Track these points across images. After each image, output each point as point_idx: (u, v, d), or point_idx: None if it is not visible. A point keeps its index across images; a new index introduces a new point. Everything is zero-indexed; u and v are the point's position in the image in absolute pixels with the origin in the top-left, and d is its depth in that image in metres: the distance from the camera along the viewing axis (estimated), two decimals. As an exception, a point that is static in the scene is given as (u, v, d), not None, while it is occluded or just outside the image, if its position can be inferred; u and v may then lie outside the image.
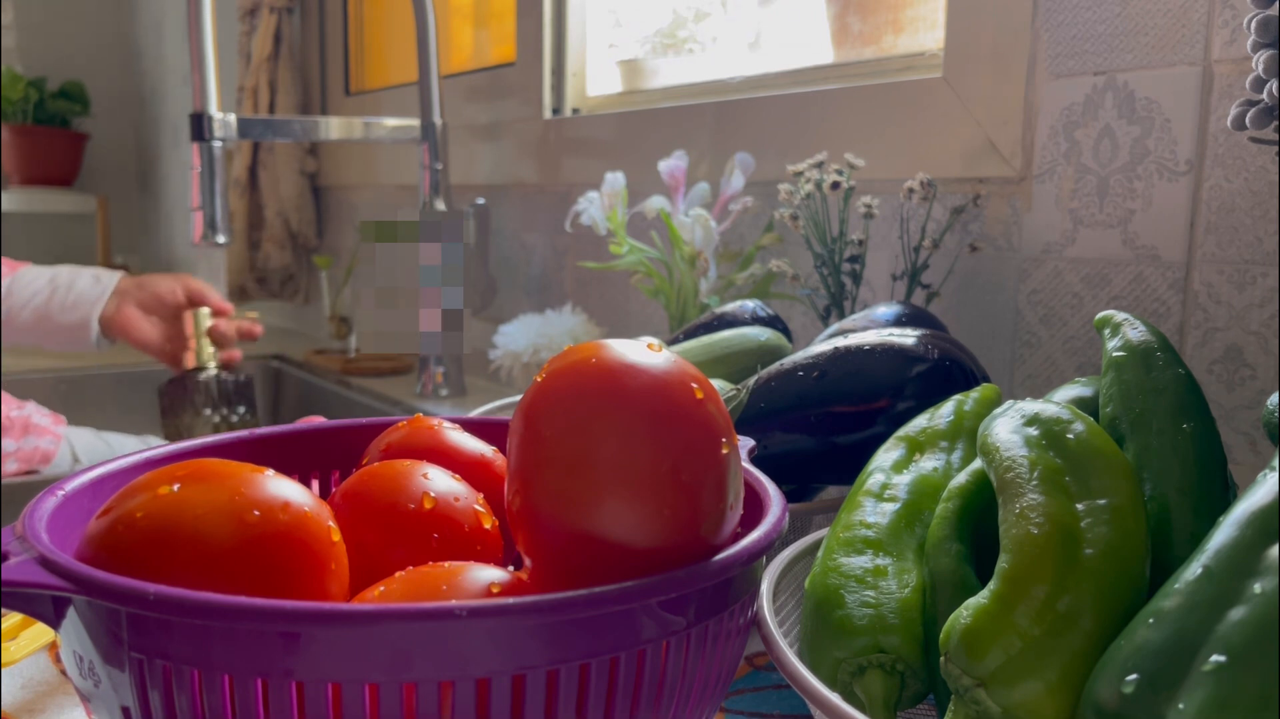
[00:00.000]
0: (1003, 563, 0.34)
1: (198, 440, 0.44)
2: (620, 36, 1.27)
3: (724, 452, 0.33)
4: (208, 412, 1.21)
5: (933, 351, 0.55)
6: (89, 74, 2.72)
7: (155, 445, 0.43)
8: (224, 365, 1.25)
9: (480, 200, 1.30)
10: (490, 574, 0.33)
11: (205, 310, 1.23)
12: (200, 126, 1.06)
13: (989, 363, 0.79)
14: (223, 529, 0.31)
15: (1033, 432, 0.38)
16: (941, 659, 0.34)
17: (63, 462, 1.04)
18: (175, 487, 0.32)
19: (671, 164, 0.93)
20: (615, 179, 0.95)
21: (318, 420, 0.49)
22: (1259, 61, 0.45)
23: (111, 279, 1.22)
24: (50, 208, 2.58)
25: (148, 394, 1.50)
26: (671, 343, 0.75)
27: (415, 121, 1.23)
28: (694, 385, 0.33)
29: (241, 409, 1.23)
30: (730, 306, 0.76)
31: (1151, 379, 0.42)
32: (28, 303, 1.18)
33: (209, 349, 1.23)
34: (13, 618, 0.53)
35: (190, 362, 1.23)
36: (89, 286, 1.20)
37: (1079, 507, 0.35)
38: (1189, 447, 0.40)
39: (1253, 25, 0.46)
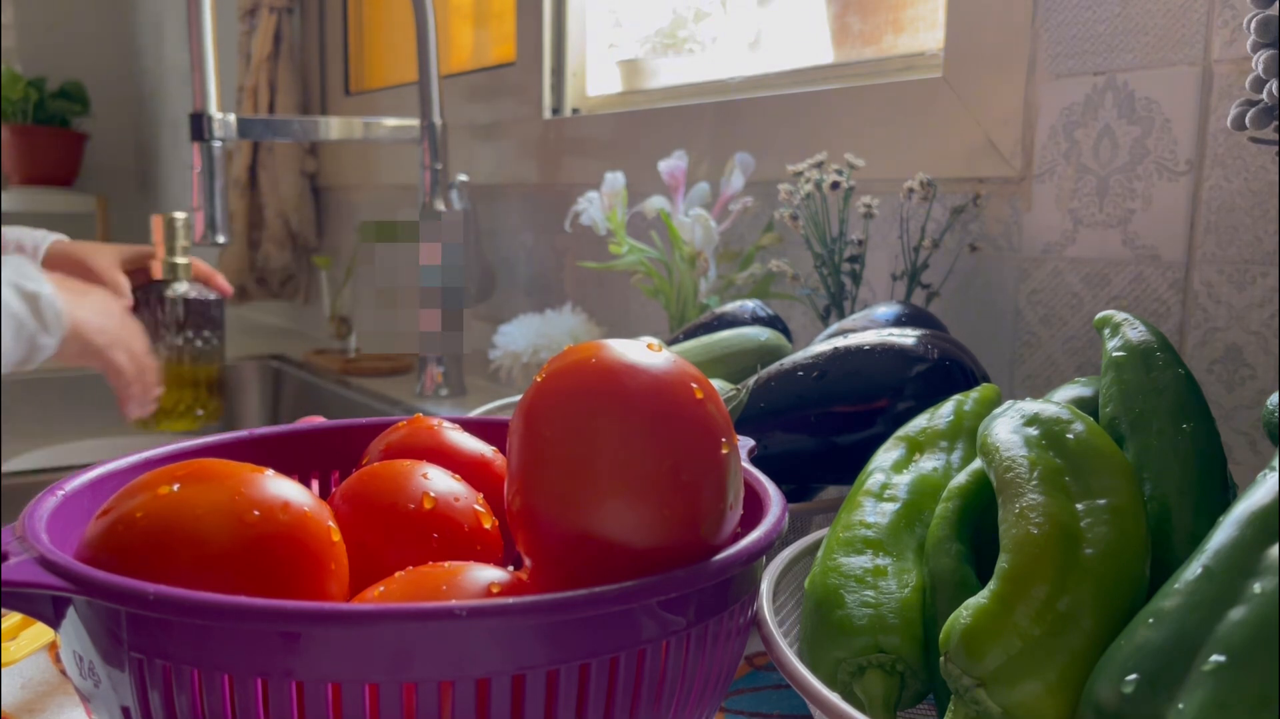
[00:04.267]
0: (1003, 563, 0.34)
1: (198, 440, 0.44)
2: (620, 36, 1.27)
3: (724, 452, 0.33)
4: (170, 334, 1.04)
5: (933, 352, 0.55)
6: (89, 74, 2.72)
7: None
8: (198, 279, 1.08)
9: (463, 176, 1.27)
10: (490, 574, 0.33)
11: (182, 215, 1.05)
12: (200, 126, 1.06)
13: (989, 363, 0.79)
14: (223, 529, 0.31)
15: (1033, 432, 0.38)
16: (941, 659, 0.34)
17: None
18: (175, 487, 0.32)
19: (671, 164, 0.93)
20: (615, 179, 0.95)
21: (318, 420, 0.49)
22: (1259, 61, 0.45)
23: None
24: (50, 208, 2.58)
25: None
26: (671, 343, 0.75)
27: (415, 121, 1.23)
28: (694, 385, 0.33)
29: (207, 334, 1.06)
30: (730, 306, 0.76)
31: (1151, 379, 0.42)
32: None
33: (181, 260, 1.05)
34: (13, 618, 0.53)
35: (157, 271, 1.05)
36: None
37: (1079, 507, 0.35)
38: (1189, 447, 0.40)
39: (1253, 25, 0.46)
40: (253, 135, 1.17)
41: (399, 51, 1.71)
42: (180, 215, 1.05)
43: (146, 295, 1.03)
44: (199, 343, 1.05)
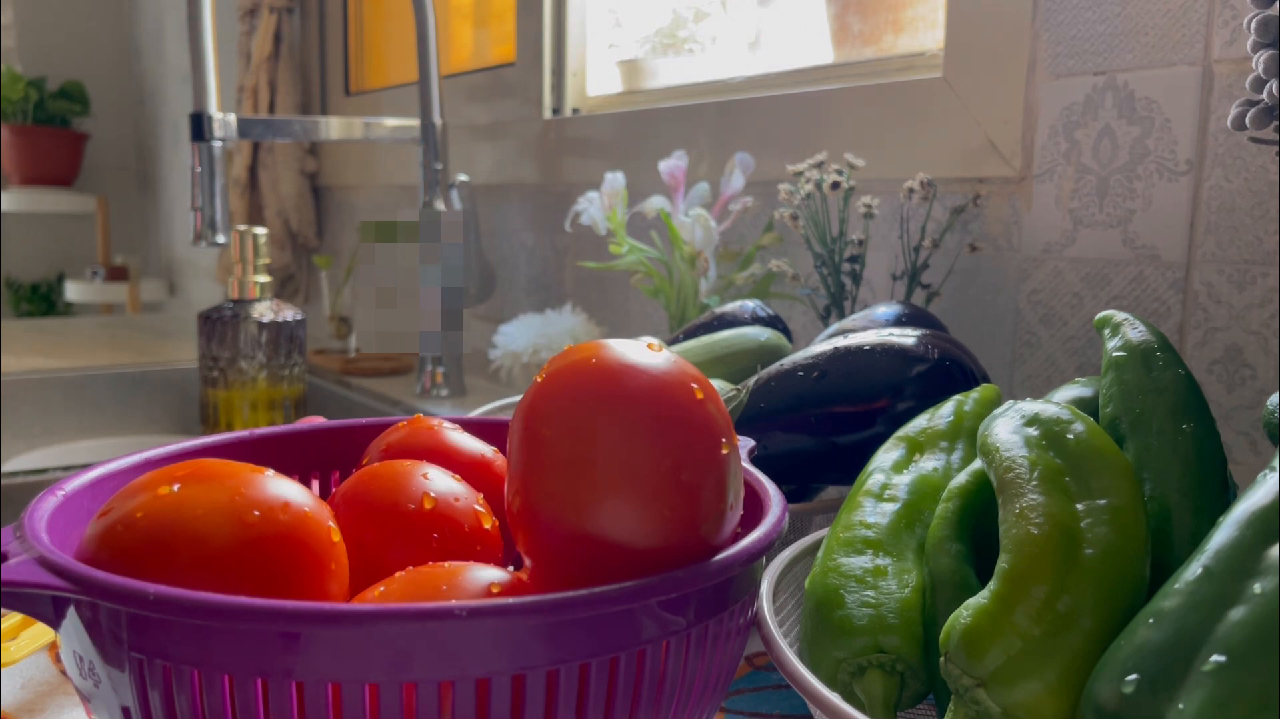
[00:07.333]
0: (1003, 563, 0.34)
1: (198, 440, 0.44)
2: (620, 36, 1.27)
3: (724, 452, 0.33)
4: (254, 359, 0.96)
5: (933, 352, 0.55)
6: (89, 74, 2.72)
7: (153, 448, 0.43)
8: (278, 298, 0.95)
9: (463, 176, 1.27)
10: (490, 574, 0.33)
11: (263, 231, 0.98)
12: (200, 126, 1.06)
13: (989, 363, 0.79)
14: (223, 529, 0.31)
15: (1033, 432, 0.38)
16: (941, 659, 0.34)
17: None
18: (175, 487, 0.32)
19: (671, 164, 0.93)
20: (615, 179, 0.95)
21: (318, 420, 0.49)
22: (1259, 61, 0.45)
23: None
24: (50, 208, 2.58)
25: (148, 394, 1.50)
26: (671, 343, 0.75)
27: (415, 121, 1.23)
28: (694, 385, 0.33)
29: (294, 356, 0.99)
30: (730, 306, 0.76)
31: (1151, 379, 0.42)
32: None
33: (263, 279, 0.98)
34: (13, 618, 0.53)
35: (235, 290, 0.98)
36: None
37: (1079, 507, 0.35)
38: (1189, 447, 0.40)
39: (1253, 25, 0.46)
40: (253, 135, 1.17)
41: (399, 51, 1.71)
42: (261, 231, 0.98)
43: (223, 317, 0.96)
44: (284, 367, 0.99)
